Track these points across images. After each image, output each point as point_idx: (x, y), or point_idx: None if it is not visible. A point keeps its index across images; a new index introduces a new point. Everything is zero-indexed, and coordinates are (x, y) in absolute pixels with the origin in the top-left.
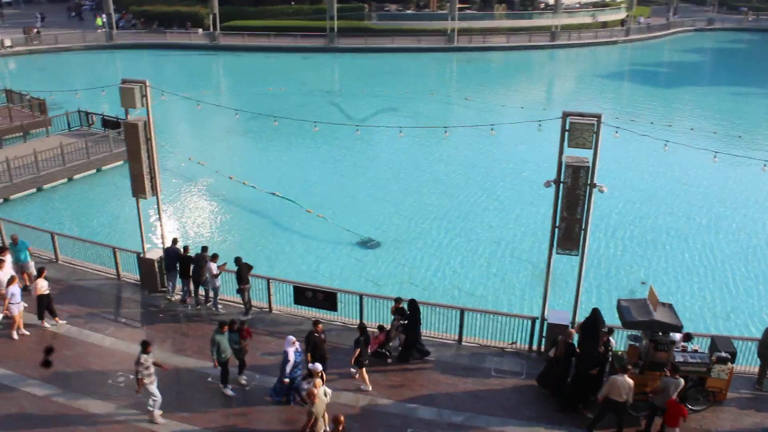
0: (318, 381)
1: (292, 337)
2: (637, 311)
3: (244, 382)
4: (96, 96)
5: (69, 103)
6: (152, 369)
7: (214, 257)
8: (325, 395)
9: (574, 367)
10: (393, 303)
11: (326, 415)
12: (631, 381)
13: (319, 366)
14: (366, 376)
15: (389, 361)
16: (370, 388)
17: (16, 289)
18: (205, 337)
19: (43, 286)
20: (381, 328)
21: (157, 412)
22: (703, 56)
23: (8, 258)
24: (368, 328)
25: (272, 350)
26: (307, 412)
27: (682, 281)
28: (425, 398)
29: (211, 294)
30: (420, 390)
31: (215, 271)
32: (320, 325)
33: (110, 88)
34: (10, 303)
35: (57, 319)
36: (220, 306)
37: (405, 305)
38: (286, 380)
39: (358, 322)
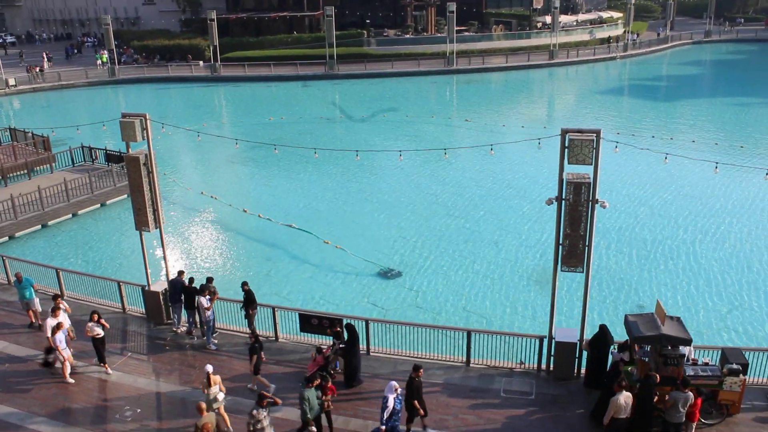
0: None
1: (394, 383)
2: (644, 326)
3: None
4: (99, 131)
5: (72, 139)
6: (266, 422)
7: (204, 291)
8: None
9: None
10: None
11: None
12: (630, 396)
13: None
14: (264, 381)
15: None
16: (272, 391)
17: (61, 335)
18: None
19: (94, 329)
20: (319, 350)
21: None
22: (702, 68)
23: (62, 305)
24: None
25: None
26: None
27: (690, 293)
28: (435, 422)
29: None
30: (430, 414)
31: (205, 304)
32: (421, 370)
33: (112, 122)
34: (61, 349)
35: (106, 365)
36: (215, 341)
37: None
38: (383, 428)
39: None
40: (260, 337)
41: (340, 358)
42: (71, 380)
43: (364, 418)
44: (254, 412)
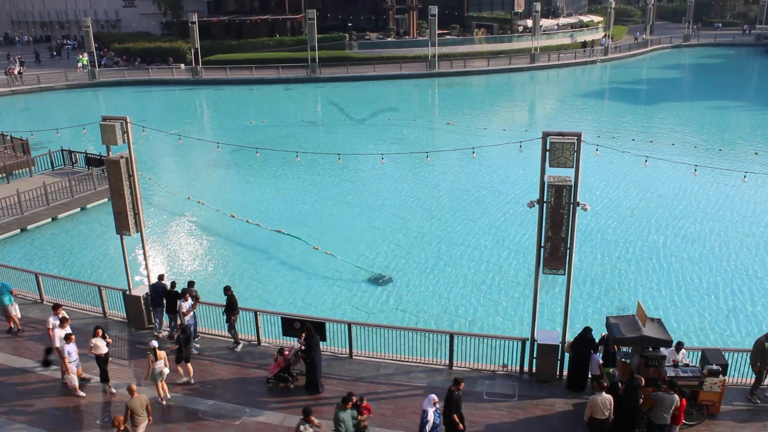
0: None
1: (433, 396)
2: (626, 328)
3: None
4: (79, 134)
5: (52, 143)
6: None
7: (185, 295)
8: None
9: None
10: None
11: None
12: (609, 397)
13: None
14: (190, 369)
15: (291, 386)
16: (192, 381)
17: (72, 348)
18: (194, 373)
19: (99, 345)
20: (281, 351)
21: None
22: (681, 72)
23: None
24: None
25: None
26: None
27: (670, 295)
28: (418, 425)
29: (192, 328)
30: (412, 417)
31: (185, 309)
32: (462, 384)
33: (93, 125)
34: (69, 362)
35: (109, 384)
36: (196, 345)
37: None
38: None
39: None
40: (243, 342)
41: (302, 360)
42: (82, 393)
43: None
44: (301, 427)
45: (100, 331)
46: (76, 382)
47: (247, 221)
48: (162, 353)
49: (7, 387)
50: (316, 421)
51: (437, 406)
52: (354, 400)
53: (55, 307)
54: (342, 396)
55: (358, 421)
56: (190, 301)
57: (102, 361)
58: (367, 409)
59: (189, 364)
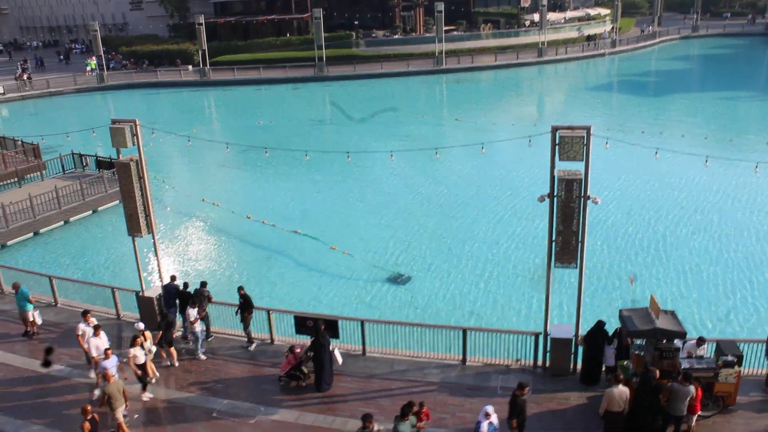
0: None
1: (489, 408)
2: (639, 320)
3: None
4: (89, 138)
5: (62, 147)
6: None
7: (194, 303)
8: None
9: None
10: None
11: None
12: (626, 390)
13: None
14: (174, 352)
15: (303, 384)
16: (177, 365)
17: (109, 363)
18: (209, 372)
19: (137, 355)
20: (291, 349)
21: None
22: (690, 63)
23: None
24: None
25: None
26: None
27: (683, 287)
28: (433, 421)
29: (199, 335)
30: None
31: (192, 317)
32: (527, 389)
33: (102, 129)
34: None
35: (143, 391)
36: (203, 350)
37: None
38: None
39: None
40: (256, 341)
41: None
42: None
43: None
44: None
45: (139, 341)
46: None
47: (263, 222)
48: (148, 334)
49: (23, 389)
50: (375, 427)
51: (491, 418)
52: (414, 409)
53: (85, 314)
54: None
55: (417, 429)
56: (196, 310)
57: (141, 369)
58: (426, 414)
59: (172, 348)
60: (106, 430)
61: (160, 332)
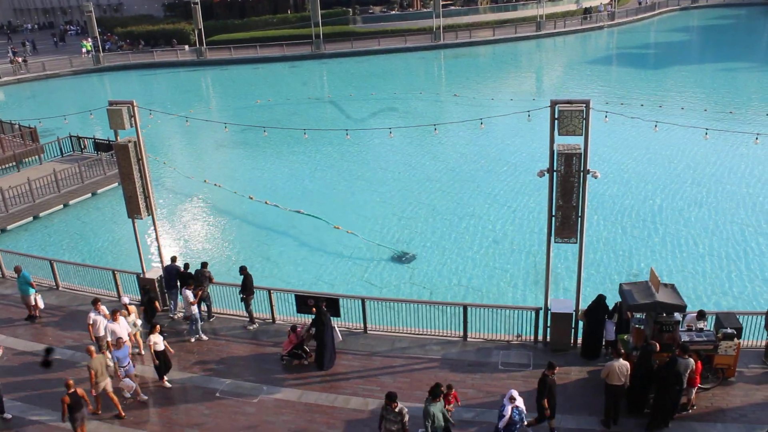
0: None
1: (514, 392)
2: (639, 294)
3: None
4: (87, 120)
5: (60, 129)
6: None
7: (189, 284)
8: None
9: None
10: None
11: None
12: (627, 364)
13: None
14: (157, 327)
15: (305, 363)
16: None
17: (122, 353)
18: (211, 353)
19: (157, 342)
20: (293, 328)
21: None
22: (690, 35)
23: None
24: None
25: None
26: None
27: (683, 260)
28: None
29: (197, 317)
30: (428, 389)
31: (191, 299)
32: (556, 368)
33: (100, 110)
34: (120, 367)
35: (164, 379)
36: (202, 333)
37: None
38: None
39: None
40: (258, 321)
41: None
42: (144, 397)
43: (363, 396)
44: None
45: (158, 328)
46: (133, 384)
47: (266, 202)
48: (132, 308)
49: (27, 373)
50: (398, 406)
51: (516, 402)
52: (444, 392)
53: (95, 302)
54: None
55: (446, 411)
56: (192, 292)
57: (160, 356)
58: (455, 397)
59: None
60: (110, 412)
61: (143, 308)
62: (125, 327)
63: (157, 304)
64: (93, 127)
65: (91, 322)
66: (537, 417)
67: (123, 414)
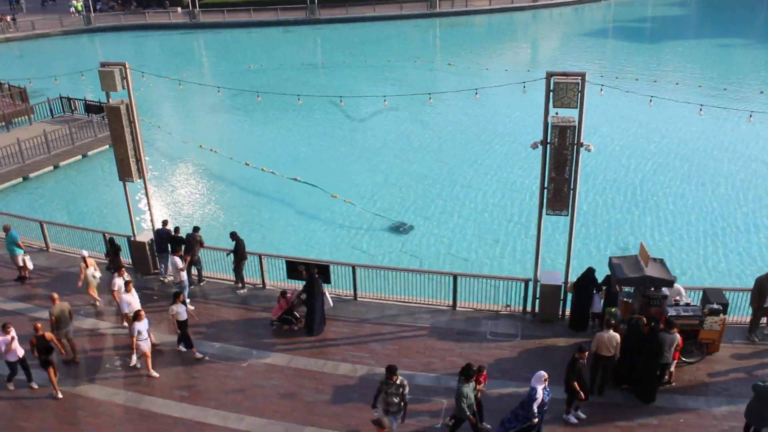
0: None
1: (543, 373)
2: (628, 268)
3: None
4: (77, 81)
5: (50, 90)
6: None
7: (177, 250)
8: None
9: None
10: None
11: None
12: (617, 335)
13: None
14: (124, 273)
15: (295, 328)
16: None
17: (143, 325)
18: (201, 316)
19: (180, 311)
20: (283, 293)
21: None
22: (687, 9)
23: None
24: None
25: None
26: None
27: (673, 235)
28: (422, 365)
29: (186, 284)
30: (417, 357)
31: (180, 265)
32: (587, 353)
33: (91, 72)
34: (138, 341)
35: (193, 349)
36: (189, 300)
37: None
38: (536, 420)
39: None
40: (248, 285)
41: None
42: (155, 374)
43: (353, 362)
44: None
45: (181, 297)
46: (149, 364)
47: (263, 169)
48: (91, 260)
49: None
50: (398, 378)
51: (547, 383)
52: (474, 373)
53: (119, 268)
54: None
55: (476, 391)
56: (180, 258)
57: (182, 326)
58: (485, 377)
59: (122, 270)
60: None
61: (108, 258)
62: (137, 298)
63: (121, 256)
64: (84, 88)
65: (116, 288)
66: (568, 399)
67: (77, 359)
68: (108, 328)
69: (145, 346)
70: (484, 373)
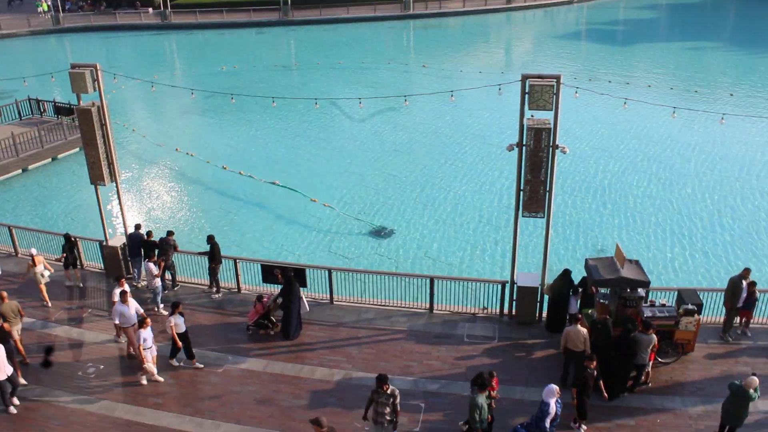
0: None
1: (555, 387)
2: (604, 269)
3: None
4: (46, 82)
5: (18, 92)
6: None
7: (151, 256)
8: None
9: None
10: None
11: None
12: (584, 330)
13: None
14: (78, 273)
15: (271, 333)
16: (81, 286)
17: (148, 333)
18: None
19: (178, 323)
20: (259, 298)
21: None
22: (658, 12)
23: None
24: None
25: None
26: None
27: (647, 237)
28: (400, 368)
29: (159, 290)
30: (394, 360)
31: (155, 271)
32: (595, 362)
33: (60, 74)
34: (143, 349)
35: (194, 361)
36: (162, 305)
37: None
38: None
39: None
40: (223, 290)
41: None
42: (160, 378)
43: (329, 366)
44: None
45: (180, 308)
46: (154, 369)
47: (240, 173)
48: (40, 257)
49: None
50: (389, 387)
51: (559, 396)
52: (488, 382)
53: (119, 278)
54: (322, 340)
55: (491, 399)
56: (154, 264)
57: (183, 338)
58: (496, 383)
59: (76, 270)
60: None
61: (64, 254)
62: (133, 307)
63: (77, 252)
64: (52, 90)
65: (116, 300)
66: (579, 412)
67: (27, 360)
68: (81, 334)
69: (150, 355)
70: (495, 377)
